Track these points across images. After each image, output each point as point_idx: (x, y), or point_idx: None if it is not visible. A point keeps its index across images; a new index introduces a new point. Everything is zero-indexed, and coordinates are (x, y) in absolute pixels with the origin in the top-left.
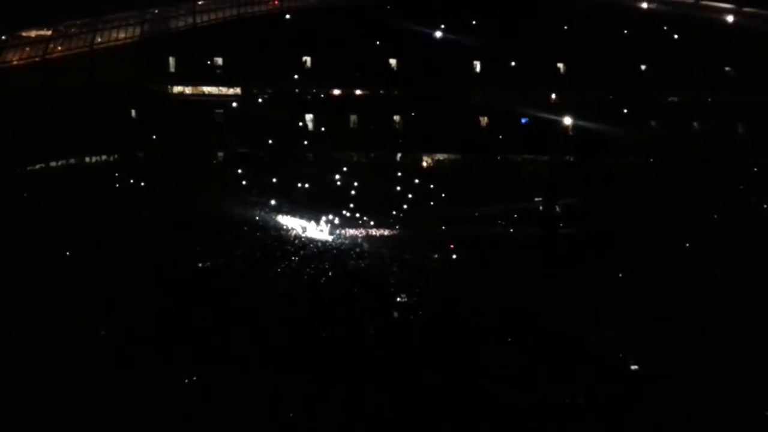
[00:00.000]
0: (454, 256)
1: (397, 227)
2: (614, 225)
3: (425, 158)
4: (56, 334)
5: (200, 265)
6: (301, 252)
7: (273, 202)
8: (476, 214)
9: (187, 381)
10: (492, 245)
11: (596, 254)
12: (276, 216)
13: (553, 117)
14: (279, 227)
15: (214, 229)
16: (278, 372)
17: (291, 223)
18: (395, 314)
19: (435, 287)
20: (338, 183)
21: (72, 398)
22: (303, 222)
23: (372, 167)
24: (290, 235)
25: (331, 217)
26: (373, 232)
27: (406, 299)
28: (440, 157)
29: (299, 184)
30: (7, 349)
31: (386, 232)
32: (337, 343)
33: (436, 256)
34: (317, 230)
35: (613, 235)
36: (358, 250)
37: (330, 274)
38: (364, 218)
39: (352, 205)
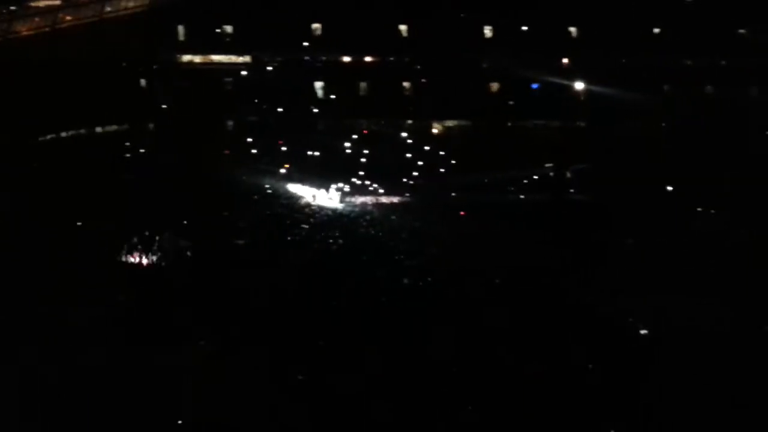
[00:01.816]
0: (465, 223)
1: (407, 195)
2: (627, 191)
3: (435, 125)
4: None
5: (209, 234)
6: (311, 220)
7: (282, 170)
8: (487, 180)
9: (197, 349)
10: (503, 212)
11: (609, 221)
12: (285, 184)
13: (565, 82)
14: (288, 195)
15: (224, 198)
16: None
17: (300, 191)
18: (404, 281)
19: (445, 254)
20: (348, 150)
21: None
22: (313, 190)
23: (381, 134)
24: (299, 203)
25: (340, 185)
26: (383, 199)
27: (415, 265)
28: (450, 123)
29: (309, 152)
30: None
31: (396, 200)
32: (346, 310)
33: (446, 223)
34: (327, 198)
35: (626, 202)
36: (368, 217)
37: (340, 241)
38: (374, 186)
39: (361, 173)
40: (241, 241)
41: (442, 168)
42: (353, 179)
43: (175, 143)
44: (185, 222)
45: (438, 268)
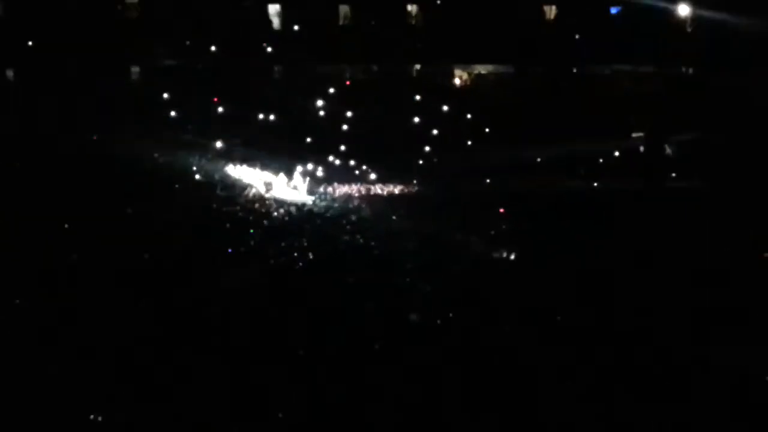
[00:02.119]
0: (509, 228)
1: (413, 183)
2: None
3: (457, 72)
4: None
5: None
6: (263, 222)
7: (217, 144)
8: (539, 159)
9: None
10: (565, 210)
11: (732, 225)
12: (220, 166)
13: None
14: (225, 184)
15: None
16: None
17: (245, 176)
18: (410, 324)
19: (476, 281)
20: (320, 112)
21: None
22: (265, 175)
23: (373, 86)
24: (243, 195)
25: (311, 166)
26: (377, 190)
27: (427, 300)
28: (481, 70)
29: (259, 115)
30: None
31: (397, 190)
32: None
33: (476, 228)
34: (290, 188)
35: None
36: (352, 218)
37: (307, 257)
38: (362, 168)
39: (344, 148)
40: (146, 255)
41: (468, 140)
42: (329, 158)
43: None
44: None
45: (465, 305)
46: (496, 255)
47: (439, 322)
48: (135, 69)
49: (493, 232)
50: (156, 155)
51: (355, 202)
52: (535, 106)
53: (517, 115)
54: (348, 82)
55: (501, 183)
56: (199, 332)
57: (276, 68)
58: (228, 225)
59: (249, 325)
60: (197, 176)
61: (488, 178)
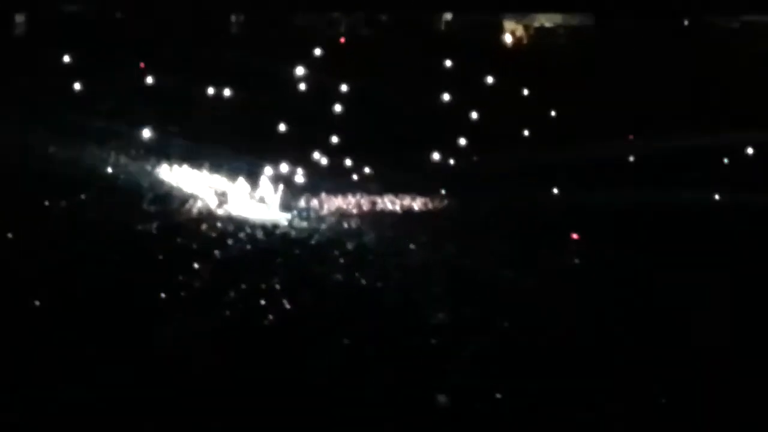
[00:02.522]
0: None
1: (443, 193)
2: None
3: (508, 24)
4: None
5: None
6: (214, 256)
7: (146, 130)
8: (631, 158)
9: None
10: (682, 237)
11: None
12: (152, 164)
13: None
14: (157, 193)
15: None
16: None
17: (189, 181)
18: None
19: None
20: (302, 84)
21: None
22: (219, 180)
23: (383, 46)
24: (186, 212)
25: (287, 167)
26: (389, 204)
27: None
28: (544, 21)
29: (210, 88)
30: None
31: (419, 205)
32: None
33: (540, 267)
34: (254, 201)
35: None
36: (351, 250)
37: (282, 314)
38: (367, 170)
39: (336, 140)
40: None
41: (523, 128)
42: (314, 154)
43: None
44: None
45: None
46: (568, 307)
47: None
48: (18, 17)
49: (563, 269)
50: (46, 148)
51: (354, 223)
52: (626, 77)
53: (598, 91)
54: (342, 40)
55: (574, 193)
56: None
57: (234, 17)
58: (158, 257)
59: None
60: (111, 182)
61: (554, 185)
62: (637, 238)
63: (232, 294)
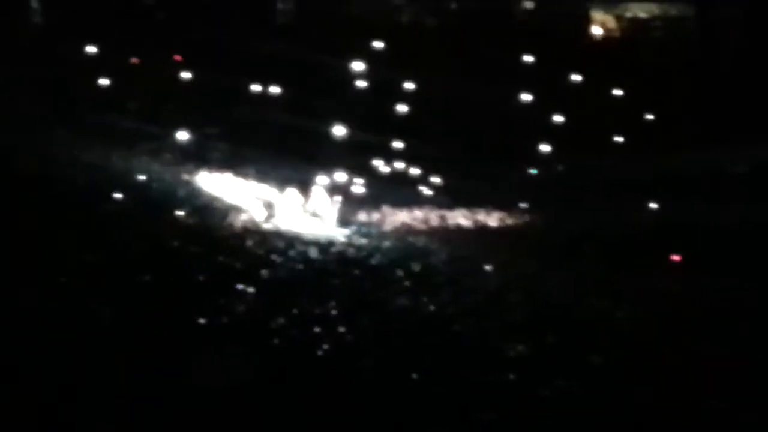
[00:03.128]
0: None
1: (524, 207)
2: None
3: (597, 14)
4: None
5: None
6: (260, 277)
7: (184, 133)
8: (746, 168)
9: None
10: None
11: None
12: (191, 172)
13: None
14: (196, 204)
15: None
16: None
17: (233, 192)
18: None
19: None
20: (359, 81)
21: None
22: (266, 190)
23: (453, 35)
24: (229, 226)
25: (343, 177)
26: (462, 219)
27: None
28: (639, 11)
29: (256, 85)
30: None
31: (496, 220)
32: None
33: (634, 299)
34: (306, 214)
35: None
36: (418, 272)
37: (339, 344)
38: (435, 180)
39: (399, 145)
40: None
41: (616, 132)
42: (374, 162)
43: None
44: None
45: None
46: (668, 341)
47: None
48: (35, 2)
49: (661, 297)
50: (66, 151)
51: (420, 240)
52: (733, 75)
53: (700, 91)
54: (406, 31)
55: (674, 208)
56: None
57: (282, 4)
58: (197, 278)
59: None
60: (141, 191)
61: (651, 199)
62: (749, 261)
63: (281, 321)
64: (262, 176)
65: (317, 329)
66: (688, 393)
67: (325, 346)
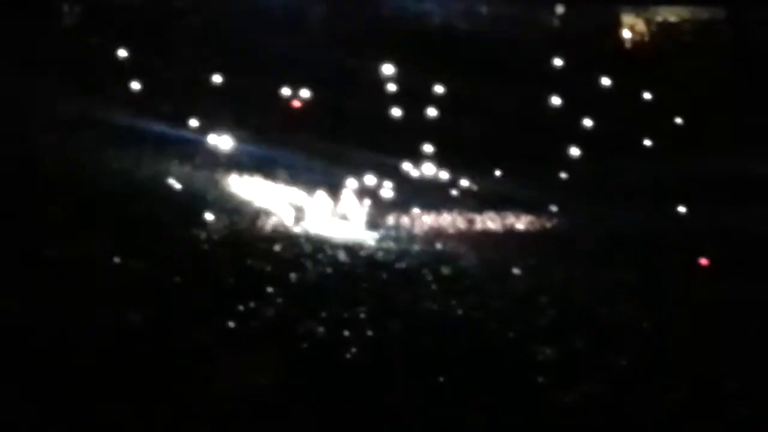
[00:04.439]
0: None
1: (555, 211)
2: None
3: (627, 18)
4: None
5: None
6: (289, 281)
7: (210, 133)
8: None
9: None
10: None
11: None
12: (217, 172)
13: None
14: (223, 205)
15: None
16: None
17: (260, 193)
18: None
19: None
20: (390, 82)
21: None
22: (296, 191)
23: (483, 38)
24: (257, 228)
25: (374, 178)
26: (493, 222)
27: None
28: (669, 15)
29: (285, 87)
30: None
31: (528, 224)
32: None
33: (663, 305)
34: (336, 216)
35: None
36: (450, 275)
37: (369, 349)
38: (467, 182)
39: (430, 148)
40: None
41: (647, 136)
42: (406, 163)
43: None
44: None
45: None
46: (698, 349)
47: None
48: (67, 6)
49: (691, 302)
50: (94, 152)
51: (450, 244)
52: (765, 78)
53: (731, 95)
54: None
55: (704, 212)
56: None
57: (312, 6)
58: (225, 281)
59: None
60: (170, 194)
61: (681, 203)
62: None
63: (309, 324)
64: (292, 180)
65: (345, 332)
66: (715, 397)
67: (353, 349)
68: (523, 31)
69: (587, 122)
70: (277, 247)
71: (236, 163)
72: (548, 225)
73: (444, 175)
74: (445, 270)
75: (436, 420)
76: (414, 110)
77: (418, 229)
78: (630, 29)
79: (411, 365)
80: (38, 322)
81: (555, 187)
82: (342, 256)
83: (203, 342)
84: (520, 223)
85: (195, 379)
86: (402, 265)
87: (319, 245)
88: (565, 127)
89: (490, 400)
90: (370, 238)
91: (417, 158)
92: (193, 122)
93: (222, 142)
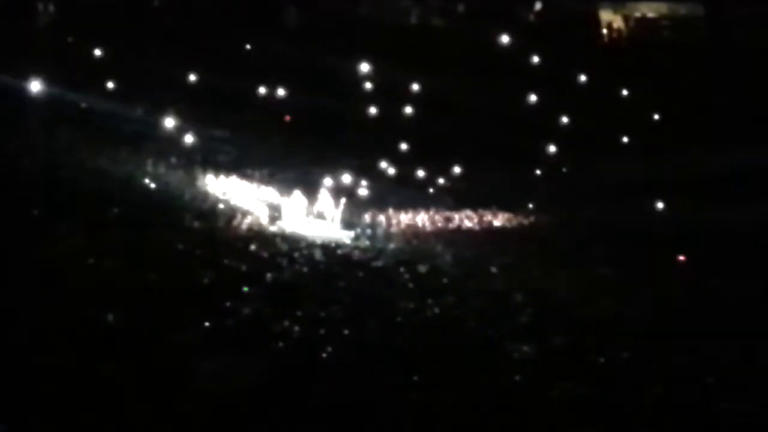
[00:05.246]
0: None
1: (531, 208)
2: None
3: (605, 14)
4: None
5: None
6: (266, 279)
7: (190, 135)
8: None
9: None
10: None
11: None
12: (199, 174)
13: None
14: (204, 207)
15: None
16: None
17: (240, 194)
18: None
19: None
20: (367, 81)
21: None
22: (273, 192)
23: (457, 38)
24: (236, 228)
25: (349, 178)
26: (466, 220)
27: None
28: (646, 10)
29: (262, 87)
30: None
31: (503, 221)
32: None
33: (639, 301)
34: (312, 216)
35: None
36: (423, 273)
37: (345, 347)
38: (442, 181)
39: (405, 146)
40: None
41: (623, 132)
42: (380, 163)
43: None
44: None
45: None
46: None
47: None
48: (44, 7)
49: (668, 298)
50: (71, 153)
51: (426, 242)
52: (742, 75)
53: (708, 91)
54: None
55: (681, 208)
56: None
57: (290, 6)
58: (202, 281)
59: None
60: (147, 194)
61: (658, 199)
62: (758, 261)
63: (286, 323)
64: (268, 179)
65: (321, 330)
66: (698, 393)
67: (330, 348)
68: (500, 28)
69: (565, 119)
70: (253, 246)
71: (212, 161)
72: (526, 222)
73: (421, 173)
74: (422, 268)
75: (413, 416)
76: (391, 108)
77: (393, 227)
78: (607, 25)
79: (388, 362)
80: (16, 322)
81: (533, 183)
82: (318, 254)
83: (183, 341)
84: (498, 220)
85: (176, 378)
86: (379, 263)
87: (296, 244)
88: (542, 123)
89: (468, 398)
90: (346, 237)
91: (394, 156)
92: (169, 121)
93: (198, 140)
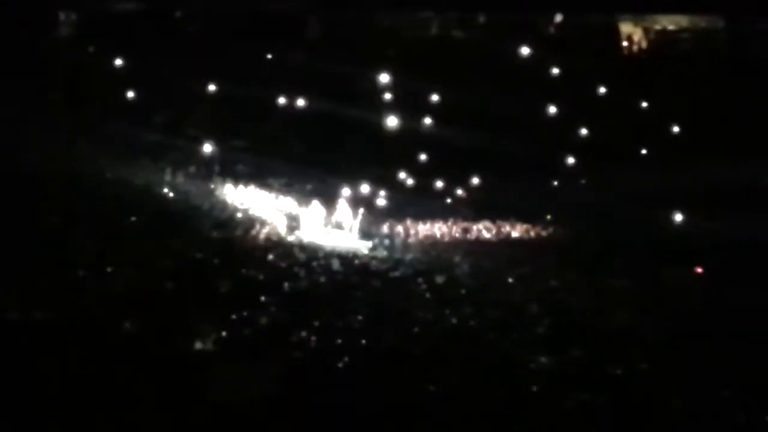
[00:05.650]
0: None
1: (549, 220)
2: None
3: (625, 27)
4: None
5: None
6: (283, 289)
7: (208, 146)
8: None
9: None
10: None
11: None
12: (216, 185)
13: None
14: (220, 217)
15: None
16: None
17: (257, 204)
18: None
19: None
20: (385, 93)
21: None
22: (290, 202)
23: (474, 49)
24: (253, 238)
25: (367, 188)
26: (485, 232)
27: None
28: (667, 23)
29: (281, 98)
30: None
31: (521, 232)
32: None
33: (658, 312)
34: (330, 226)
35: None
36: (441, 283)
37: (363, 358)
38: (460, 192)
39: (424, 157)
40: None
41: (645, 144)
42: (399, 174)
43: None
44: None
45: None
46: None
47: None
48: (66, 17)
49: (686, 310)
50: (91, 163)
51: (444, 253)
52: (762, 86)
53: (728, 104)
54: (426, 41)
55: (700, 221)
56: None
57: (310, 17)
58: (220, 290)
59: None
60: (166, 204)
61: (677, 211)
62: None
63: (303, 333)
64: (286, 189)
65: (338, 340)
66: (715, 405)
67: (347, 358)
68: (520, 40)
69: (584, 130)
70: (271, 256)
71: (231, 171)
72: (544, 233)
73: (440, 184)
74: (439, 278)
75: (433, 427)
76: (410, 119)
77: (411, 238)
78: (627, 38)
79: (405, 372)
80: (33, 329)
81: (552, 195)
82: (336, 264)
83: (201, 350)
84: (516, 231)
85: (191, 387)
86: (397, 274)
87: (313, 254)
88: (562, 135)
89: (485, 407)
90: (363, 247)
91: (413, 167)
92: (189, 132)
93: (217, 150)
